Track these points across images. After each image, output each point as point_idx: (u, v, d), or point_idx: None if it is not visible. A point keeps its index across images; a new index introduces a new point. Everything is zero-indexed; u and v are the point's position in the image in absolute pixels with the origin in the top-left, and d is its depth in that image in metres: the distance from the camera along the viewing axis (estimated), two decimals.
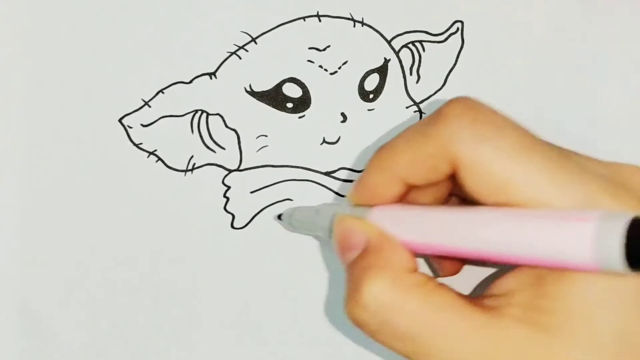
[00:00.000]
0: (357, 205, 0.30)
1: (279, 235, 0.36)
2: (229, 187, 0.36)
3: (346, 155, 0.36)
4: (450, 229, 0.27)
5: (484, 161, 0.26)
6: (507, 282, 0.28)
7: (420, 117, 0.37)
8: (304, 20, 0.36)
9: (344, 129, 0.36)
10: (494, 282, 0.28)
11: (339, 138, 0.36)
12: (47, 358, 0.36)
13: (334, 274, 0.36)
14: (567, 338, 0.26)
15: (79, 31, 0.36)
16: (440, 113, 0.27)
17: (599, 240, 0.23)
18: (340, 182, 0.36)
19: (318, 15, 0.36)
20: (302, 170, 0.36)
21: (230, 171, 0.36)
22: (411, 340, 0.27)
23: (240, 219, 0.36)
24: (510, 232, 0.25)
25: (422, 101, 0.37)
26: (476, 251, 0.27)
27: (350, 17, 0.36)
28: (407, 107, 0.37)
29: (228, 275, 0.36)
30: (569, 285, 0.26)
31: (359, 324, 0.28)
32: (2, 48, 0.36)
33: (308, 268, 0.36)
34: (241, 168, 0.36)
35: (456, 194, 0.31)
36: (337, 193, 0.36)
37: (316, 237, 0.35)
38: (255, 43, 0.36)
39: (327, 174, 0.36)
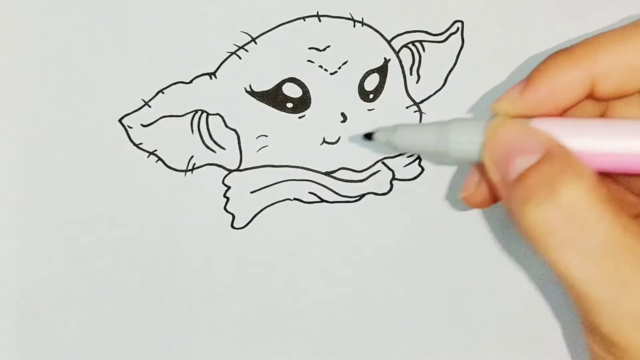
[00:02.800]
0: (514, 116, 0.27)
1: (279, 235, 0.36)
2: (229, 187, 0.36)
3: (346, 155, 0.36)
4: (629, 136, 0.25)
5: None
6: None
7: (420, 117, 0.37)
8: (304, 20, 0.36)
9: (344, 129, 0.36)
10: None
11: (339, 138, 0.36)
12: (47, 358, 0.36)
13: (334, 274, 0.36)
14: None
15: (79, 31, 0.36)
16: None
17: None
18: (340, 182, 0.36)
19: (318, 15, 0.36)
20: (302, 170, 0.36)
21: (230, 171, 0.36)
22: (603, 257, 0.24)
23: (240, 219, 0.36)
24: None
25: (422, 101, 0.37)
26: None
27: (350, 17, 0.36)
28: (407, 107, 0.37)
29: (228, 275, 0.36)
30: None
31: (546, 232, 0.25)
32: (2, 48, 0.36)
33: (308, 268, 0.36)
34: (241, 168, 0.36)
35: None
36: (337, 193, 0.36)
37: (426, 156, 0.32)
38: (255, 43, 0.36)
39: (327, 174, 0.36)
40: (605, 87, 0.26)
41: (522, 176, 0.25)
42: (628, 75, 0.25)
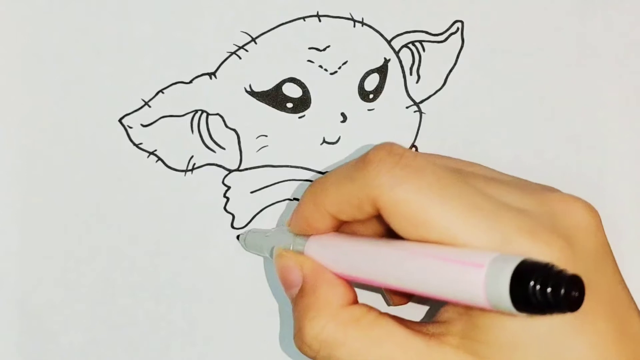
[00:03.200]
0: (297, 234, 0.32)
1: None
2: (229, 187, 0.36)
3: (346, 155, 0.36)
4: (368, 262, 0.29)
5: (401, 202, 0.27)
6: (448, 310, 0.29)
7: (420, 117, 0.37)
8: (304, 20, 0.36)
9: (344, 129, 0.36)
10: (440, 308, 0.29)
11: (339, 138, 0.36)
12: (47, 358, 0.36)
13: None
14: None
15: (79, 31, 0.36)
16: (364, 158, 0.28)
17: (489, 284, 0.24)
18: None
19: (318, 15, 0.36)
20: (302, 170, 0.36)
21: (230, 171, 0.36)
22: None
23: (241, 219, 0.36)
24: (417, 270, 0.27)
25: (422, 101, 0.37)
26: (392, 285, 0.28)
27: (350, 17, 0.36)
28: (407, 107, 0.37)
29: (228, 275, 0.36)
30: (492, 318, 0.27)
31: (309, 358, 0.30)
32: (2, 48, 0.36)
33: None
34: (241, 168, 0.36)
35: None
36: None
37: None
38: (255, 43, 0.36)
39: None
40: (340, 217, 0.30)
41: (292, 306, 0.31)
42: (349, 210, 0.29)
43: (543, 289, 0.23)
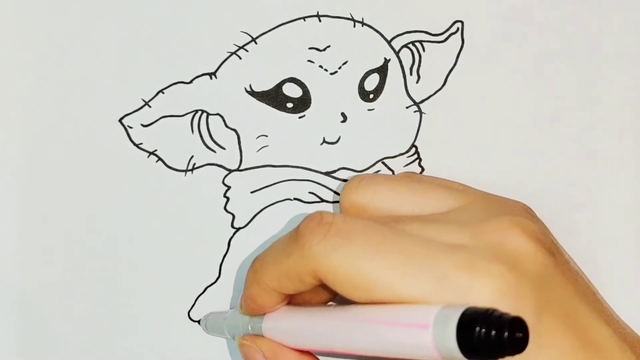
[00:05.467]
0: (250, 315, 0.32)
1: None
2: (229, 187, 0.36)
3: (346, 155, 0.36)
4: (319, 332, 0.29)
5: (338, 269, 0.27)
6: None
7: (420, 117, 0.37)
8: (304, 20, 0.36)
9: (344, 129, 0.36)
10: None
11: (339, 138, 0.36)
12: (47, 358, 0.36)
13: None
14: None
15: (79, 31, 0.36)
16: (296, 232, 0.28)
17: (437, 341, 0.24)
18: (340, 182, 0.36)
19: (318, 15, 0.36)
20: (302, 170, 0.36)
21: (230, 171, 0.36)
22: None
23: (241, 218, 0.36)
24: (369, 337, 0.27)
25: (422, 101, 0.37)
26: (346, 352, 0.28)
27: (350, 17, 0.36)
28: (407, 107, 0.37)
29: (228, 276, 0.36)
30: None
31: None
32: (2, 48, 0.36)
33: None
34: (241, 168, 0.36)
35: None
36: (337, 193, 0.36)
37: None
38: (255, 43, 0.36)
39: (327, 174, 0.36)
40: (285, 291, 0.30)
41: None
42: (291, 283, 0.29)
43: (487, 335, 0.23)
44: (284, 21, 0.36)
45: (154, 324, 0.36)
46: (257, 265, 0.31)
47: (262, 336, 0.31)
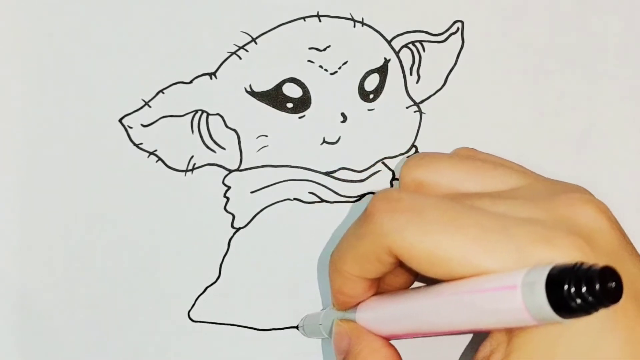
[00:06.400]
0: (343, 310, 0.32)
1: (279, 235, 0.36)
2: (229, 187, 0.36)
3: (346, 155, 0.36)
4: (406, 315, 0.29)
5: (412, 246, 0.27)
6: (485, 346, 0.29)
7: (420, 117, 0.37)
8: (304, 20, 0.36)
9: (344, 129, 0.36)
10: (479, 346, 0.29)
11: (339, 138, 0.36)
12: (47, 358, 0.36)
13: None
14: None
15: (79, 31, 0.36)
16: (365, 213, 0.28)
17: (527, 302, 0.24)
18: (340, 182, 0.36)
19: (318, 15, 0.36)
20: (302, 170, 0.36)
21: (230, 171, 0.36)
22: None
23: (241, 219, 0.36)
24: (457, 309, 0.27)
25: (422, 101, 0.37)
26: (436, 331, 0.28)
27: (350, 17, 0.36)
28: (407, 107, 0.37)
29: (228, 276, 0.36)
30: (534, 332, 0.26)
31: None
32: (2, 48, 0.36)
33: (308, 268, 0.36)
34: (241, 168, 0.36)
35: None
36: (337, 193, 0.36)
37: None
38: (255, 43, 0.36)
39: (327, 174, 0.36)
40: (368, 277, 0.30)
41: None
42: (371, 267, 0.29)
43: (578, 290, 0.22)
44: (284, 21, 0.36)
45: (154, 324, 0.36)
46: (335, 256, 0.30)
47: (355, 322, 0.31)
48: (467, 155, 0.33)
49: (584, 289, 0.22)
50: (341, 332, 0.31)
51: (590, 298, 0.22)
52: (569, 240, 0.26)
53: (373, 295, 0.31)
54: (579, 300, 0.23)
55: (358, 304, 0.31)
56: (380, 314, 0.30)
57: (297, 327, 0.36)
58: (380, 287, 0.31)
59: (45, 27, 0.36)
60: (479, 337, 0.34)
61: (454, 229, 0.27)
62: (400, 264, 0.28)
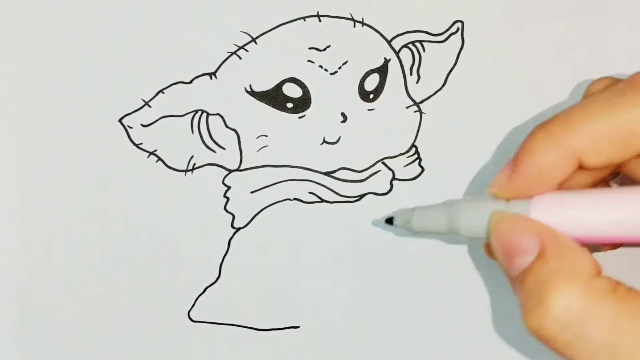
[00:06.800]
0: (512, 198, 0.27)
1: (279, 235, 0.36)
2: (229, 187, 0.36)
3: (346, 155, 0.36)
4: (626, 213, 0.25)
5: None
6: None
7: (420, 117, 0.37)
8: (304, 20, 0.36)
9: (344, 129, 0.36)
10: None
11: (339, 138, 0.36)
12: (47, 358, 0.36)
13: (334, 274, 0.36)
14: None
15: (79, 31, 0.36)
16: (630, 81, 0.24)
17: None
18: (340, 182, 0.36)
19: (318, 15, 0.36)
20: (302, 170, 0.36)
21: (230, 171, 0.36)
22: (610, 351, 0.24)
23: (241, 218, 0.36)
24: None
25: (422, 101, 0.37)
26: None
27: (350, 17, 0.36)
28: (407, 107, 0.37)
29: (228, 276, 0.36)
30: None
31: (546, 338, 0.25)
32: (2, 48, 0.36)
33: (308, 268, 0.36)
34: (241, 168, 0.36)
35: (620, 171, 0.28)
36: (337, 193, 0.36)
37: (442, 238, 0.33)
38: (255, 43, 0.36)
39: (327, 174, 0.36)
40: (592, 161, 0.25)
41: (520, 278, 0.26)
42: (611, 148, 0.25)
43: None
44: (284, 21, 0.36)
45: (154, 324, 0.36)
46: (559, 126, 0.25)
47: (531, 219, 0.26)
48: None
49: None
50: (520, 229, 0.26)
51: None
52: None
53: (552, 192, 0.26)
54: None
55: (529, 198, 0.27)
56: (577, 211, 0.25)
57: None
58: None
59: (45, 27, 0.36)
60: None
61: None
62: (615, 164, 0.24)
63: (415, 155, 0.37)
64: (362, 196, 0.36)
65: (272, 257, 0.36)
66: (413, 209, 0.32)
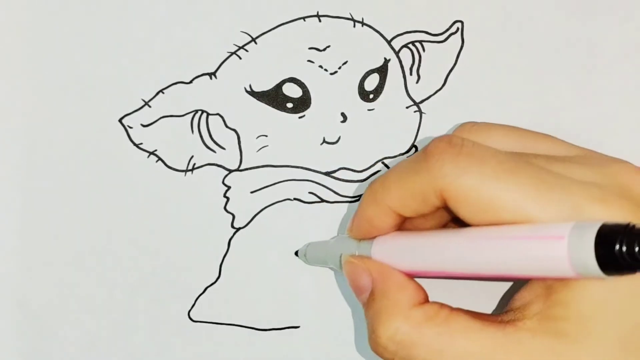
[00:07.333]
0: (359, 239, 0.32)
1: (279, 235, 0.36)
2: (229, 187, 0.36)
3: (346, 155, 0.36)
4: (442, 253, 0.29)
5: (468, 190, 0.27)
6: (522, 296, 0.29)
7: (420, 117, 0.37)
8: (304, 20, 0.36)
9: (344, 129, 0.36)
10: (512, 297, 0.29)
11: (339, 138, 0.36)
12: (47, 358, 0.36)
13: (334, 274, 0.36)
14: (582, 342, 0.26)
15: (79, 31, 0.36)
16: (425, 151, 0.28)
17: (572, 253, 0.24)
18: (340, 182, 0.36)
19: (318, 15, 0.36)
20: (302, 170, 0.36)
21: (230, 171, 0.36)
22: None
23: (241, 218, 0.36)
24: (496, 253, 0.27)
25: (422, 101, 0.37)
26: (469, 273, 0.28)
27: (350, 17, 0.36)
28: (407, 107, 0.37)
29: (228, 276, 0.36)
30: (576, 290, 0.26)
31: None
32: (2, 48, 0.36)
33: (307, 267, 0.36)
34: (241, 168, 0.36)
35: (455, 218, 0.32)
36: (337, 193, 0.36)
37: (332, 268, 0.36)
38: (255, 43, 0.36)
39: (327, 174, 0.36)
40: (405, 212, 0.30)
41: (364, 310, 0.31)
42: (413, 204, 0.29)
43: (630, 249, 0.23)
44: (284, 21, 0.36)
45: (154, 324, 0.36)
46: (377, 185, 0.30)
47: (370, 257, 0.31)
48: (516, 127, 0.33)
49: (637, 248, 0.23)
50: (358, 270, 0.31)
51: None
52: (623, 202, 0.26)
53: (394, 232, 0.31)
54: (627, 259, 0.23)
55: (374, 237, 0.31)
56: (404, 249, 0.30)
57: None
58: (402, 226, 0.31)
59: (46, 27, 0.36)
60: (516, 286, 0.34)
61: (512, 178, 0.27)
62: (438, 210, 0.29)
63: None
64: (362, 196, 0.36)
65: (272, 257, 0.36)
66: (309, 245, 0.36)
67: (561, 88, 0.37)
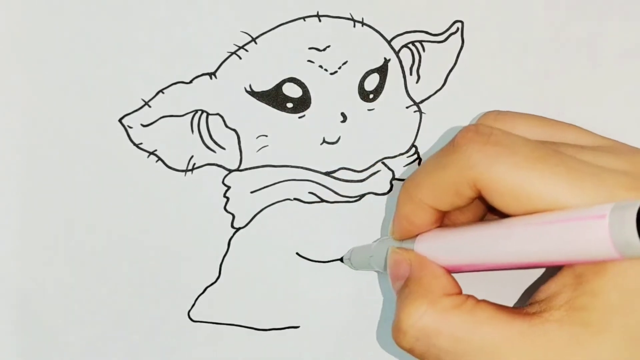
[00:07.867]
0: (401, 239, 0.32)
1: (279, 235, 0.36)
2: (229, 187, 0.36)
3: (346, 155, 0.36)
4: (480, 245, 0.28)
5: (501, 179, 0.27)
6: (549, 287, 0.28)
7: (420, 117, 0.37)
8: (304, 20, 0.36)
9: (344, 129, 0.36)
10: (538, 289, 0.29)
11: (339, 138, 0.36)
12: (47, 358, 0.36)
13: (334, 274, 0.36)
14: (609, 332, 0.26)
15: (79, 31, 0.36)
16: (453, 143, 0.28)
17: (614, 232, 0.24)
18: (340, 182, 0.36)
19: (318, 15, 0.36)
20: (302, 170, 0.36)
21: (230, 171, 0.36)
22: (458, 358, 0.28)
23: (241, 218, 0.36)
24: (534, 239, 0.26)
25: (422, 101, 0.37)
26: (509, 262, 0.28)
27: (350, 17, 0.36)
28: (407, 107, 0.37)
29: (228, 276, 0.36)
30: (605, 280, 0.26)
31: (405, 349, 0.29)
32: (2, 48, 0.36)
33: (308, 267, 0.36)
34: (241, 168, 0.36)
35: (492, 210, 0.32)
36: (337, 193, 0.36)
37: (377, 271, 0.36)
38: (255, 43, 0.36)
39: (327, 174, 0.36)
40: (440, 207, 0.30)
41: (397, 297, 0.31)
42: (447, 197, 0.29)
43: None
44: (284, 21, 0.36)
45: (154, 324, 0.36)
46: (410, 183, 0.30)
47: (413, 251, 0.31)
48: (541, 116, 0.33)
49: None
50: (399, 259, 0.31)
51: None
52: None
53: (435, 228, 0.31)
54: None
55: (416, 235, 0.31)
56: (443, 244, 0.30)
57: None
58: (442, 223, 0.31)
59: (45, 27, 0.36)
60: (539, 281, 0.34)
61: (544, 166, 0.27)
62: (475, 200, 0.29)
63: (415, 155, 0.37)
64: (362, 196, 0.36)
65: (272, 257, 0.36)
66: (352, 250, 0.36)
67: (561, 88, 0.37)
